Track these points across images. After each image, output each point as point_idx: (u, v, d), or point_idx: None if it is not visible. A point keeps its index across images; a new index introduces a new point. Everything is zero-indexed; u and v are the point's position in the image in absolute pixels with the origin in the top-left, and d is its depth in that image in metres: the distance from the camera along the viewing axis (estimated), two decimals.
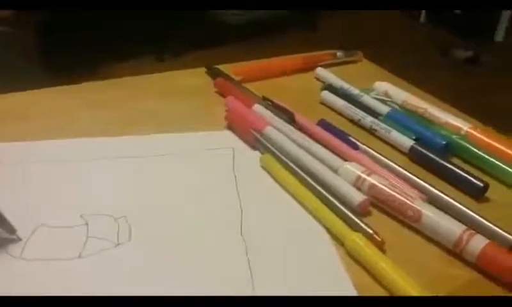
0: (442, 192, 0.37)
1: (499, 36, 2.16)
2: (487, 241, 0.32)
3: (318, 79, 0.56)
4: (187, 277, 0.30)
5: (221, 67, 0.55)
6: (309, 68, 0.57)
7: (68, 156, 0.40)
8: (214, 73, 0.54)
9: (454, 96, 1.84)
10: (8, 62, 1.08)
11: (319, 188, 0.37)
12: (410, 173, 0.39)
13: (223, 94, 0.50)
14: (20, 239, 0.32)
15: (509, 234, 0.34)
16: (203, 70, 0.55)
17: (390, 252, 0.33)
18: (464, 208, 0.36)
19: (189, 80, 0.54)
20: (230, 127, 0.45)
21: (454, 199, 0.37)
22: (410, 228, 0.35)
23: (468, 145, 0.42)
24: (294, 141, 0.42)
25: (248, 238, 0.33)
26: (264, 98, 0.48)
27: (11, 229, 0.32)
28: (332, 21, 2.25)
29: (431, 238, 0.34)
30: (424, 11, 2.30)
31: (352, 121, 0.48)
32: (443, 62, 2.00)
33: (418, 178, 0.39)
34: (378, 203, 0.37)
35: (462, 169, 0.39)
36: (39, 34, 1.50)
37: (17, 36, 1.32)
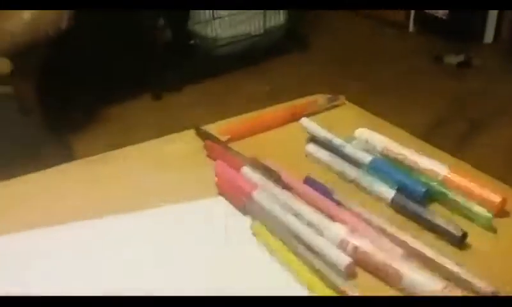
0: (423, 246, 0.39)
1: (488, 37, 2.18)
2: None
3: (304, 129, 0.58)
4: None
5: (210, 126, 0.58)
6: (294, 118, 0.60)
7: (63, 243, 0.42)
8: (202, 136, 0.56)
9: (450, 103, 1.86)
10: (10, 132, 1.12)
11: (306, 254, 0.39)
12: (392, 227, 0.41)
13: (213, 158, 0.53)
14: None
15: (489, 286, 0.35)
16: (192, 132, 0.58)
17: None
18: (443, 261, 0.38)
19: (180, 145, 0.57)
20: (221, 193, 0.47)
21: (435, 253, 0.39)
22: (396, 287, 0.37)
23: (445, 191, 0.44)
24: (281, 204, 0.45)
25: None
26: (251, 159, 0.51)
27: None
28: (321, 39, 2.29)
29: None
30: (411, 20, 2.33)
31: (338, 173, 0.50)
32: (436, 68, 2.03)
33: (400, 232, 0.41)
34: (362, 264, 0.39)
35: (441, 218, 0.41)
36: (36, 86, 1.55)
37: (17, 93, 1.36)
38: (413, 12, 2.32)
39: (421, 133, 1.78)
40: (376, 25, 2.38)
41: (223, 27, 2.00)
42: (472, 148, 1.53)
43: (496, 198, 0.43)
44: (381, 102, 1.83)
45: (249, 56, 2.06)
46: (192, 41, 2.05)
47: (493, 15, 2.17)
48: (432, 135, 1.59)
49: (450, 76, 1.96)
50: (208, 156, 0.54)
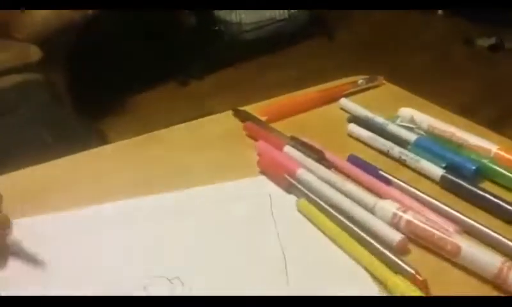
0: (477, 222, 0.38)
1: None
2: None
3: (343, 110, 0.57)
4: None
5: (247, 108, 0.58)
6: (332, 99, 0.59)
7: (109, 221, 0.43)
8: (241, 116, 0.56)
9: (482, 88, 1.81)
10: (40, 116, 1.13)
11: (357, 230, 0.38)
12: (443, 204, 0.40)
13: (253, 138, 0.52)
14: None
15: None
16: (229, 114, 0.58)
17: (433, 288, 0.34)
18: (500, 237, 0.37)
19: (219, 126, 0.57)
20: (264, 172, 0.47)
21: (489, 228, 0.38)
22: (450, 261, 0.36)
23: (498, 168, 0.43)
24: (326, 182, 0.44)
25: (294, 287, 0.35)
26: (293, 138, 0.50)
27: None
28: (347, 24, 2.25)
29: (472, 270, 0.35)
30: None
31: (381, 152, 0.49)
32: (467, 52, 1.98)
33: (452, 209, 0.40)
34: (416, 239, 0.38)
35: (493, 195, 0.40)
36: (66, 73, 1.57)
37: (47, 80, 1.38)
38: None
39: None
40: (400, 12, 2.33)
41: (247, 12, 1.99)
42: (504, 133, 1.49)
43: None
44: (411, 89, 1.79)
45: (274, 42, 2.05)
46: (217, 27, 2.04)
47: None
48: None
49: (481, 59, 1.91)
50: (248, 136, 0.53)
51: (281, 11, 2.05)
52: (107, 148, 0.55)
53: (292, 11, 2.07)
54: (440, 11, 2.29)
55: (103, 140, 1.36)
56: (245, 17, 2.00)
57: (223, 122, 0.57)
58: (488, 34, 2.00)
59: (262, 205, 0.43)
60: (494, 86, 1.73)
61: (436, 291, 0.34)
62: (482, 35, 2.01)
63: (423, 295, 0.33)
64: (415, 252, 0.38)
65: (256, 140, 0.51)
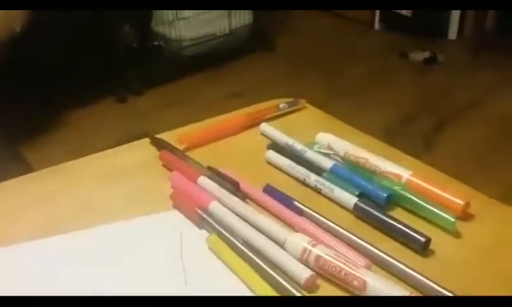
0: (386, 254, 0.38)
1: (452, 34, 2.22)
2: None
3: (264, 135, 0.56)
4: None
5: (166, 134, 0.55)
6: (254, 124, 0.58)
7: (7, 267, 0.39)
8: (157, 145, 0.54)
9: (417, 100, 1.88)
10: None
11: (265, 267, 0.37)
12: (354, 235, 0.40)
13: (169, 168, 0.50)
14: None
15: (451, 292, 0.34)
16: (147, 141, 0.55)
17: None
18: (406, 269, 0.36)
19: (135, 155, 0.54)
20: (176, 206, 0.45)
21: (397, 261, 0.37)
22: None
23: (409, 195, 0.43)
24: (239, 215, 0.42)
25: None
26: (209, 168, 0.49)
27: None
28: (288, 39, 2.28)
29: None
30: (377, 18, 2.34)
31: (298, 180, 0.48)
32: (402, 65, 2.05)
33: (362, 240, 0.39)
34: (325, 274, 0.37)
35: (403, 224, 0.40)
36: None
37: None
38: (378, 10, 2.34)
39: (388, 131, 1.79)
40: (342, 25, 2.39)
41: (187, 28, 1.97)
42: (439, 144, 1.54)
43: (460, 201, 0.42)
44: (349, 100, 1.84)
45: (216, 57, 2.03)
46: (156, 43, 2.01)
47: (456, 11, 2.21)
48: (399, 132, 1.60)
49: (416, 73, 1.98)
50: (164, 166, 0.51)
51: (222, 26, 2.05)
52: (9, 183, 0.51)
53: (234, 26, 2.07)
54: (376, 26, 2.37)
55: (29, 166, 1.29)
56: (185, 33, 1.97)
57: (141, 151, 0.55)
58: (422, 48, 2.09)
59: (171, 243, 0.41)
60: (427, 98, 1.80)
61: None
62: (417, 49, 2.09)
63: None
64: (324, 288, 0.37)
65: (172, 170, 0.49)
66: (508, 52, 2.03)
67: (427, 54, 2.05)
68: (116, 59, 1.90)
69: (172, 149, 0.52)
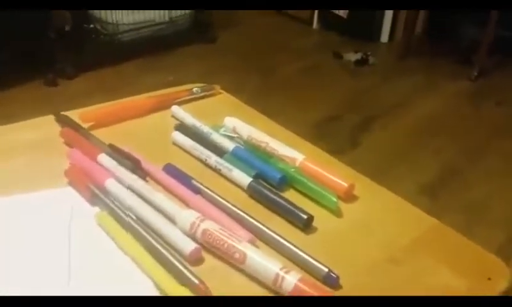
0: (270, 230, 0.40)
1: (384, 37, 2.33)
2: (299, 276, 0.35)
3: (174, 117, 0.57)
4: None
5: (73, 113, 0.55)
6: (166, 106, 0.58)
7: None
8: (63, 122, 0.53)
9: (347, 98, 1.94)
10: None
11: (152, 241, 0.38)
12: (244, 212, 0.42)
13: (70, 145, 0.50)
14: None
15: (324, 265, 0.37)
16: (52, 117, 0.54)
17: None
18: (286, 244, 0.39)
19: (38, 131, 0.53)
20: (71, 183, 0.45)
21: (279, 236, 0.39)
22: (240, 270, 0.37)
23: (300, 177, 0.46)
24: (135, 192, 0.43)
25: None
26: (111, 146, 0.49)
27: None
28: (228, 31, 2.29)
29: (256, 278, 0.37)
30: (315, 18, 2.41)
31: (200, 160, 0.50)
32: (335, 65, 2.12)
33: (250, 217, 0.41)
34: (211, 248, 0.38)
35: (289, 203, 0.43)
36: None
37: None
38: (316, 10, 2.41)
39: (316, 128, 1.84)
40: (283, 21, 2.43)
41: (124, 12, 1.92)
42: (364, 141, 1.61)
43: (344, 183, 0.45)
44: (281, 96, 1.88)
45: (154, 44, 2.00)
46: (92, 26, 1.94)
47: (388, 15, 2.31)
48: (327, 129, 1.66)
49: (347, 73, 2.06)
50: (66, 144, 0.51)
51: (162, 13, 2.02)
52: None
53: (174, 14, 2.05)
54: (315, 25, 2.43)
55: None
56: (122, 18, 1.93)
57: (45, 127, 0.54)
58: (355, 49, 2.17)
59: (61, 218, 0.41)
60: (356, 98, 1.87)
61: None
62: (350, 50, 2.17)
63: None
64: (209, 261, 0.38)
65: (72, 148, 0.49)
66: (434, 56, 2.16)
67: (359, 55, 2.14)
68: (46, 40, 1.82)
69: (75, 127, 0.52)
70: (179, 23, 2.10)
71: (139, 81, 1.80)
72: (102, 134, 0.52)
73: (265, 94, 1.77)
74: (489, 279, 0.39)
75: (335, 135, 1.62)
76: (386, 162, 1.49)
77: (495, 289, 0.38)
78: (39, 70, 1.79)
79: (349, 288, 0.36)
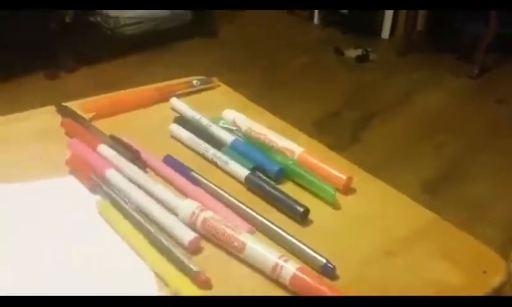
0: (268, 221, 0.40)
1: (385, 33, 2.32)
2: (297, 266, 0.35)
3: (174, 110, 0.57)
4: None
5: (75, 103, 0.55)
6: (165, 98, 0.58)
7: None
8: (64, 112, 0.53)
9: (347, 94, 1.94)
10: None
11: (152, 230, 0.38)
12: (242, 203, 0.42)
13: (71, 136, 0.50)
14: None
15: (322, 256, 0.37)
16: (52, 108, 0.54)
17: (217, 286, 0.35)
18: (284, 234, 0.39)
19: (38, 122, 0.53)
20: (72, 172, 0.45)
21: (277, 226, 0.40)
22: (238, 259, 0.38)
23: (298, 169, 0.46)
24: (136, 183, 0.43)
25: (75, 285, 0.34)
26: (111, 137, 0.49)
27: None
28: (230, 26, 2.29)
29: (256, 267, 0.37)
30: (316, 13, 2.40)
31: (199, 153, 0.50)
32: (336, 61, 2.12)
33: (248, 208, 0.41)
34: (210, 237, 0.39)
35: (286, 195, 0.43)
36: None
37: None
38: None
39: (317, 123, 1.84)
40: (284, 16, 2.43)
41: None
42: (364, 137, 1.62)
43: (342, 176, 0.45)
44: (283, 92, 1.88)
45: (155, 38, 2.00)
46: (93, 19, 1.94)
47: (389, 12, 2.31)
48: (328, 124, 1.66)
49: (348, 69, 2.06)
50: (67, 134, 0.51)
51: None
52: None
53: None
54: (316, 20, 2.43)
55: None
56: (123, 11, 1.93)
57: (46, 117, 0.54)
58: (356, 45, 2.17)
59: (62, 207, 0.41)
60: (357, 94, 1.88)
61: (219, 288, 0.35)
62: (351, 46, 2.17)
63: (200, 294, 0.34)
64: (208, 250, 0.39)
65: (72, 138, 0.49)
66: (435, 53, 2.16)
67: (359, 52, 2.14)
68: (47, 33, 1.82)
69: (76, 118, 0.52)
70: (180, 18, 2.10)
71: (139, 74, 1.80)
72: (102, 125, 0.52)
73: (265, 89, 1.78)
74: (484, 272, 0.39)
75: (335, 130, 1.62)
76: (386, 158, 1.49)
77: (490, 283, 0.38)
78: (40, 63, 1.79)
79: (346, 279, 0.37)
